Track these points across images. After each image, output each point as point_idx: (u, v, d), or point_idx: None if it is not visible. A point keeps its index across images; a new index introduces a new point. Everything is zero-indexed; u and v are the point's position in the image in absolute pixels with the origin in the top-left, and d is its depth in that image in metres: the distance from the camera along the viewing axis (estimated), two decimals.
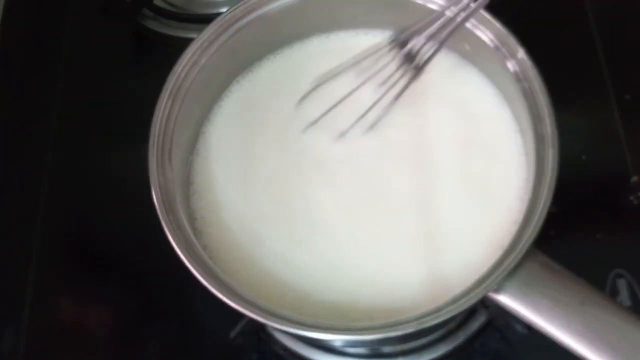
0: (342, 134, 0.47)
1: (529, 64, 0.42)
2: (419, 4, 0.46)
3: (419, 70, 0.46)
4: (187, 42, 0.46)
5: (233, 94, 0.50)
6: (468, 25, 0.45)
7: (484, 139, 0.46)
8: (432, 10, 0.46)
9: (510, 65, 0.43)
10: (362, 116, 0.46)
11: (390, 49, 0.46)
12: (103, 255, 0.58)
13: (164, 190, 0.42)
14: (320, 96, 0.48)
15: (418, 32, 0.45)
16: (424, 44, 0.45)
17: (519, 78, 0.43)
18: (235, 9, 0.47)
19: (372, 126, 0.47)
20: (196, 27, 0.63)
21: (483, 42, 0.45)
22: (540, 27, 0.60)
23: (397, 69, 0.46)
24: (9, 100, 0.65)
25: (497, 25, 0.44)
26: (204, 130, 0.49)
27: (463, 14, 0.43)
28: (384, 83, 0.46)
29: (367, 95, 0.46)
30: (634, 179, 0.54)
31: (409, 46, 0.45)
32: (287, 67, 0.50)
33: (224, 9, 0.51)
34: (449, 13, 0.44)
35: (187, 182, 0.47)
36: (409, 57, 0.45)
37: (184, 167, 0.47)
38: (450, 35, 0.44)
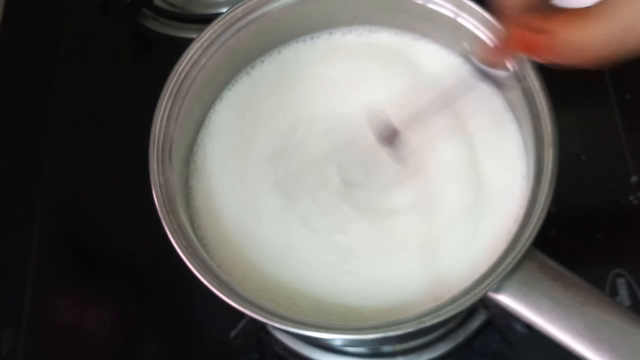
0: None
1: (529, 64, 0.42)
2: (419, 4, 0.46)
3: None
4: (187, 42, 0.45)
5: (233, 94, 0.50)
6: (468, 25, 0.45)
7: (483, 139, 0.46)
8: (432, 11, 0.46)
9: (510, 65, 0.43)
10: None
11: None
12: (102, 256, 0.58)
13: (164, 190, 0.42)
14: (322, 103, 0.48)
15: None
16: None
17: (519, 78, 0.42)
18: (235, 9, 0.47)
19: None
20: (196, 27, 0.63)
21: (482, 41, 0.45)
22: None
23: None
24: (8, 100, 0.64)
25: (497, 25, 0.43)
26: (205, 130, 0.49)
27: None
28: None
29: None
30: (634, 179, 0.54)
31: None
32: (287, 67, 0.50)
33: (224, 9, 0.51)
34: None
35: (187, 182, 0.47)
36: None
37: (184, 167, 0.47)
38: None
